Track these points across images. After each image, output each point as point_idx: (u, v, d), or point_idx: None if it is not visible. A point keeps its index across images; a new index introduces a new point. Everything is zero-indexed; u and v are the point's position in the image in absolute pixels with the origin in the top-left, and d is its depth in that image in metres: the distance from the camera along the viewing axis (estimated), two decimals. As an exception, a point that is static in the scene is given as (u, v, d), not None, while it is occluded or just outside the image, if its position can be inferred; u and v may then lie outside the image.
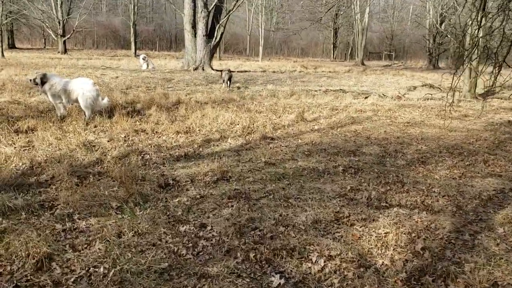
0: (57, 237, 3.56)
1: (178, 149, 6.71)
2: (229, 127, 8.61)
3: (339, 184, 5.17)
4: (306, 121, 9.60)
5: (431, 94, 16.39)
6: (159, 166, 5.79)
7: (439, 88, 19.23)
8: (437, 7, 41.12)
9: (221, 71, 16.96)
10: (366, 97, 14.72)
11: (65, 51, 36.55)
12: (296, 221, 3.91)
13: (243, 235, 3.63)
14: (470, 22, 16.63)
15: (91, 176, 5.08)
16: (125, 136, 7.40)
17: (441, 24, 41.71)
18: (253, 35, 56.65)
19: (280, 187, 5.00)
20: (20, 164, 5.54)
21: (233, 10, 22.65)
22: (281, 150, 6.89)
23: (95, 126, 8.05)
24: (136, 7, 39.41)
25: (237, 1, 22.77)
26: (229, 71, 16.71)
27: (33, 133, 7.32)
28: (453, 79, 5.59)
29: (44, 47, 45.66)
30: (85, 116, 8.56)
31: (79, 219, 3.91)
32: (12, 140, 6.77)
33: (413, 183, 5.34)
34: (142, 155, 6.26)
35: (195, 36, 22.84)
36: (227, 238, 3.54)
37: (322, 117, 10.17)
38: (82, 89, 8.48)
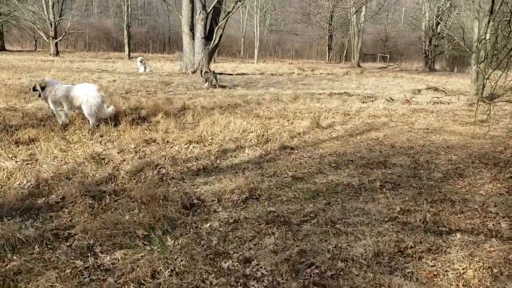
0: (80, 278, 3.01)
1: (195, 162, 6.17)
2: (242, 135, 8.08)
3: (383, 204, 4.67)
4: (322, 127, 9.11)
5: (438, 98, 16.06)
6: (179, 183, 5.25)
7: (444, 91, 18.90)
8: (434, 9, 40.91)
9: (205, 72, 18.21)
10: (372, 101, 14.29)
11: (57, 53, 35.74)
12: (354, 254, 3.40)
13: (298, 274, 3.11)
14: (477, 24, 16.31)
15: (107, 196, 4.53)
16: (135, 147, 6.85)
17: (437, 26, 41.55)
18: (247, 37, 56.15)
19: (319, 208, 4.49)
20: (25, 181, 4.97)
21: (233, 11, 22.12)
22: (305, 162, 6.38)
23: (101, 136, 7.49)
24: (130, 9, 38.67)
25: (236, 2, 22.23)
26: (214, 72, 18.19)
27: (34, 144, 6.74)
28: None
29: (35, 49, 44.72)
30: (89, 124, 8.00)
31: (102, 253, 3.36)
32: (12, 153, 6.19)
33: (462, 201, 4.86)
34: (158, 169, 5.71)
35: (193, 39, 22.27)
36: (282, 279, 3.02)
37: (337, 123, 9.68)
38: (86, 95, 7.93)
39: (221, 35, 22.56)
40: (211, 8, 21.71)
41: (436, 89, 19.33)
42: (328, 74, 29.82)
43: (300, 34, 61.74)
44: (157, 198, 4.52)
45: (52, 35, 35.26)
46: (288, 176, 5.61)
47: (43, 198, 4.48)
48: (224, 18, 22.41)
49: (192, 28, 22.30)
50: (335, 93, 16.57)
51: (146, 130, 8.01)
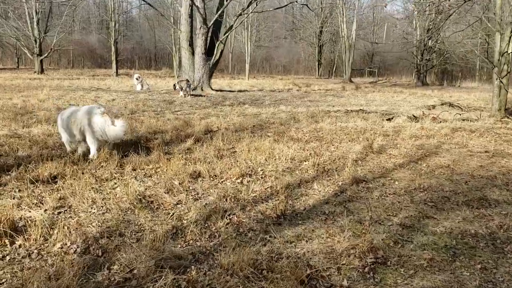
0: None
1: (264, 203, 5.01)
2: (294, 164, 6.96)
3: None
4: (375, 152, 8.04)
5: (460, 114, 15.23)
6: (266, 238, 4.07)
7: (459, 107, 18.13)
8: (425, 22, 40.71)
9: (179, 81, 19.30)
10: (391, 118, 13.35)
11: (42, 70, 34.19)
12: None
13: None
14: (499, 37, 15.59)
15: (192, 268, 3.32)
16: (180, 183, 5.65)
17: (429, 40, 41.35)
18: (234, 53, 55.28)
19: (481, 278, 3.37)
20: (68, 243, 3.74)
21: (236, 26, 21.13)
22: (397, 202, 5.27)
23: (134, 169, 6.27)
24: (117, 25, 37.44)
25: (238, 16, 21.24)
26: (187, 81, 19.28)
27: (57, 182, 5.49)
28: None
29: (17, 66, 43.00)
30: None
31: None
32: (34, 195, 4.94)
33: None
34: (228, 217, 4.52)
35: (193, 54, 21.17)
36: None
37: (386, 146, 8.62)
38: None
39: (222, 51, 21.54)
40: (212, 22, 20.69)
41: (451, 105, 18.55)
42: (327, 90, 29.04)
43: (288, 50, 61.34)
44: (258, 267, 3.34)
45: (37, 52, 33.74)
46: (394, 223, 4.48)
47: (105, 272, 3.25)
48: (225, 33, 21.39)
49: (191, 44, 21.22)
50: (352, 111, 15.63)
51: (184, 160, 6.80)
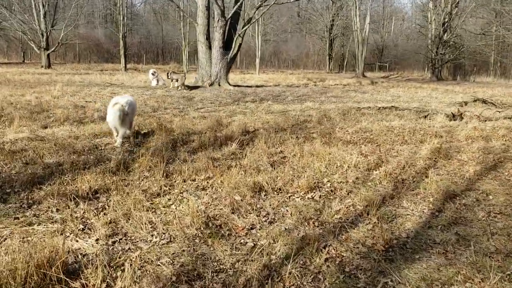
0: None
1: (355, 229, 4.12)
2: (362, 173, 6.06)
3: None
4: (444, 157, 7.13)
5: (499, 112, 14.28)
6: (388, 283, 3.18)
7: (493, 104, 17.17)
8: (441, 15, 39.59)
9: (172, 72, 19.55)
10: (426, 116, 12.45)
11: (49, 65, 33.28)
12: None
13: None
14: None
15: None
16: (242, 198, 4.76)
17: (444, 33, 40.28)
18: (242, 47, 54.24)
19: None
20: (139, 291, 2.86)
21: (257, 17, 20.13)
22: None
23: (184, 180, 5.38)
24: (125, 18, 36.44)
25: (257, 8, 20.21)
26: (185, 74, 20.15)
27: (96, 197, 4.62)
28: None
29: (23, 61, 42.09)
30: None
31: None
32: (77, 217, 4.06)
33: None
34: (325, 250, 3.63)
35: (210, 48, 20.21)
36: None
37: (450, 150, 7.70)
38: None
39: (240, 44, 20.55)
40: (230, 14, 19.71)
41: (484, 102, 17.57)
42: (344, 85, 28.04)
43: (296, 44, 60.29)
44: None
45: (44, 46, 32.80)
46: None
47: None
48: (244, 26, 20.41)
49: (208, 37, 20.25)
50: (383, 108, 14.72)
51: (237, 168, 5.91)
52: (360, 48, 43.18)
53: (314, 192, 5.16)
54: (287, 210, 4.55)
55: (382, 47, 60.23)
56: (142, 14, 71.58)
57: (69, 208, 4.31)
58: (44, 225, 3.88)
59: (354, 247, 3.72)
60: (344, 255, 3.56)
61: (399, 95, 21.31)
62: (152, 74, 19.59)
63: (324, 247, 3.67)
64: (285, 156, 6.94)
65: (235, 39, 20.12)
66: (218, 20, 19.47)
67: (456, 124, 10.84)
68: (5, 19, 31.88)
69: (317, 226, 4.13)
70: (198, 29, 20.16)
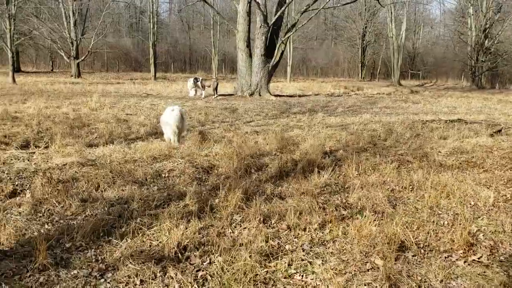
0: None
1: None
2: (507, 214, 4.66)
3: None
4: None
5: None
6: None
7: None
8: (482, 21, 37.73)
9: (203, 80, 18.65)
10: (499, 131, 11.00)
11: (79, 74, 32.64)
12: None
13: None
14: None
15: None
16: (385, 263, 3.43)
17: (485, 39, 38.39)
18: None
19: None
20: None
21: (304, 23, 18.87)
22: None
23: (289, 229, 4.07)
24: (155, 26, 35.66)
25: (303, 13, 18.95)
26: (217, 79, 19.57)
27: (187, 257, 3.35)
28: None
29: (52, 70, 41.72)
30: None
31: None
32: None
33: None
34: None
35: (250, 56, 19.02)
36: None
37: None
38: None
39: (282, 52, 19.31)
40: (273, 20, 18.49)
41: (557, 114, 15.91)
42: (387, 94, 26.54)
43: (326, 51, 58.86)
44: None
45: (73, 55, 32.17)
46: None
47: None
48: (287, 32, 19.17)
49: (249, 44, 19.07)
50: (450, 121, 13.23)
51: (341, 206, 4.58)
52: (396, 56, 41.58)
53: (474, 251, 3.78)
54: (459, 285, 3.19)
55: (413, 54, 58.30)
56: (167, 22, 71.26)
57: (156, 277, 3.05)
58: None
59: None
60: None
61: (454, 105, 19.72)
62: (194, 82, 18.27)
63: None
64: (392, 189, 5.59)
65: (277, 46, 18.91)
66: (260, 26, 18.29)
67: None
68: (35, 27, 31.36)
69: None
70: (238, 36, 19.01)
